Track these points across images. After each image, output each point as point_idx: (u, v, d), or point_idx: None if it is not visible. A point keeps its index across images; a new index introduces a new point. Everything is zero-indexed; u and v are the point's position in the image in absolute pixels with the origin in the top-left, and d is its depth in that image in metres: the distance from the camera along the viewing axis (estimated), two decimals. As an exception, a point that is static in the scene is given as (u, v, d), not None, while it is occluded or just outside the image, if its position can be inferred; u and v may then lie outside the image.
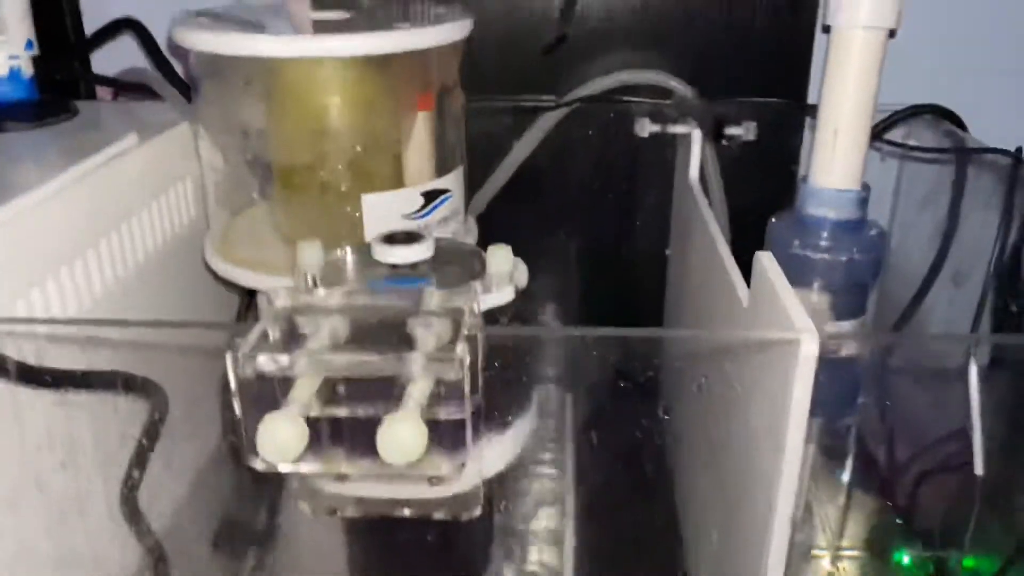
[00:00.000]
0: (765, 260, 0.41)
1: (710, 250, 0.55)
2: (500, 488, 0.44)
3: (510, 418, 0.43)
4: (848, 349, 0.52)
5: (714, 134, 0.66)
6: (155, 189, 0.59)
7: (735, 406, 0.40)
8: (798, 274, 0.61)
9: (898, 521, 0.65)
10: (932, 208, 0.66)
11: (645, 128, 0.68)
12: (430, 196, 0.51)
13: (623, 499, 0.53)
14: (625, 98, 0.68)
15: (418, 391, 0.32)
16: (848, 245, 0.60)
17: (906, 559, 0.64)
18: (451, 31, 0.49)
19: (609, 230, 0.75)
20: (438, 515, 0.41)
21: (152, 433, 0.53)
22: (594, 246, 0.75)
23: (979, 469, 0.53)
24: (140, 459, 0.54)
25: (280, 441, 0.29)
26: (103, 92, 0.74)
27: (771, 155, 0.69)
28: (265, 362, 0.30)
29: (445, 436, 0.33)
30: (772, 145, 0.68)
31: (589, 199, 0.74)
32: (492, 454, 0.42)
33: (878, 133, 0.66)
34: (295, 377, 0.32)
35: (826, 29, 0.57)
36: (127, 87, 0.68)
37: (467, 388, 0.32)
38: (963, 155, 0.61)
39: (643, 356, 0.38)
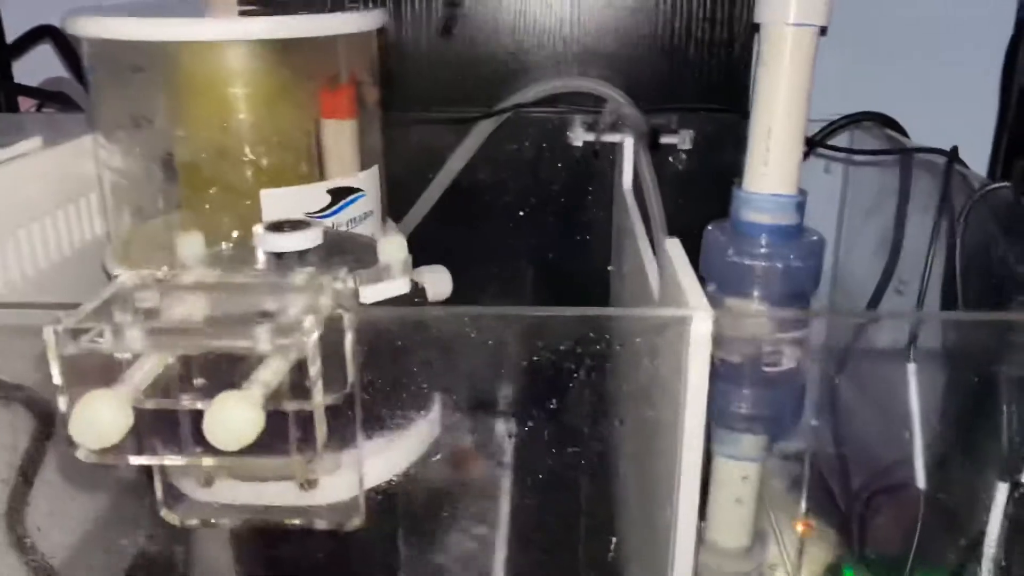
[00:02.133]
0: (669, 245, 0.39)
1: (637, 258, 0.53)
2: (398, 499, 0.40)
3: (401, 421, 0.40)
4: (747, 328, 0.49)
5: (649, 143, 0.64)
6: (59, 197, 0.57)
7: (641, 393, 0.37)
8: (735, 282, 0.58)
9: (850, 546, 0.61)
10: (879, 216, 0.64)
11: (579, 136, 0.66)
12: (338, 194, 0.49)
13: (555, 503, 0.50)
14: (559, 107, 0.66)
15: (267, 374, 0.29)
16: (785, 251, 0.57)
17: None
18: (356, 21, 0.47)
19: (550, 244, 0.72)
20: (319, 524, 0.37)
21: (37, 449, 0.50)
22: (535, 261, 0.73)
23: (921, 482, 0.50)
24: (26, 476, 0.50)
25: (97, 423, 0.26)
26: (27, 104, 0.71)
27: (710, 164, 0.67)
28: (89, 336, 0.27)
29: (298, 428, 0.29)
30: (711, 154, 0.66)
31: (528, 212, 0.71)
32: (379, 461, 0.39)
33: (819, 140, 0.64)
34: (132, 359, 0.29)
35: (756, 28, 0.55)
36: (47, 96, 0.66)
37: (315, 372, 0.29)
38: (906, 159, 0.59)
39: (553, 337, 0.35)
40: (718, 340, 0.30)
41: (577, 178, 0.68)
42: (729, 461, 0.62)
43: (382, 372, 0.38)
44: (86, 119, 0.57)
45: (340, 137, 0.50)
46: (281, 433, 0.29)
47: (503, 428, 0.45)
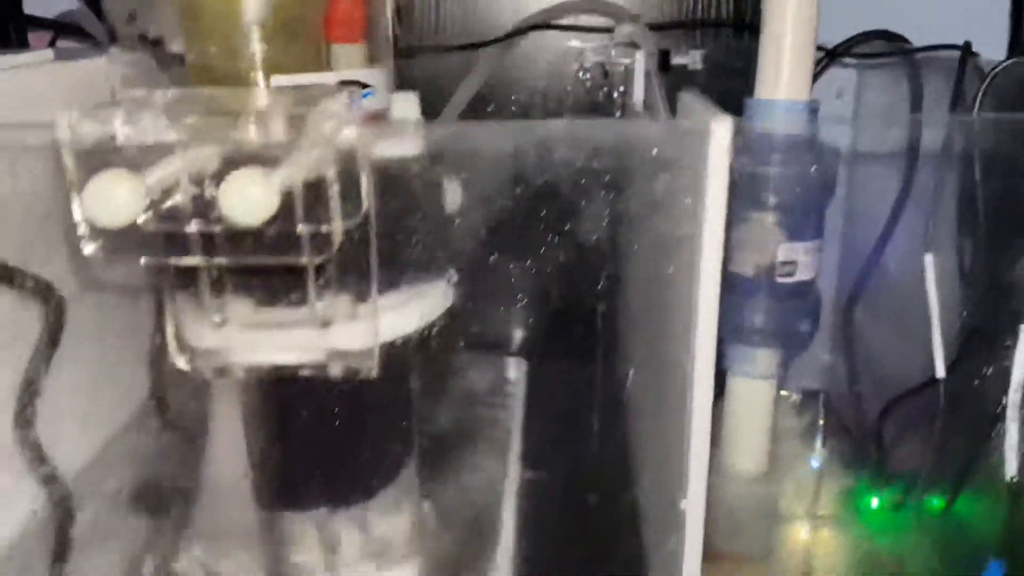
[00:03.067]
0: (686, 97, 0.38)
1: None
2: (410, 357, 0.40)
3: (416, 277, 0.40)
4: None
5: (660, 64, 0.64)
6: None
7: (660, 210, 0.37)
8: (748, 193, 0.58)
9: (869, 469, 0.60)
10: (894, 132, 0.64)
11: (589, 59, 0.66)
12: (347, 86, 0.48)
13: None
14: (569, 29, 0.66)
15: (284, 169, 0.28)
16: (798, 160, 0.57)
17: (875, 502, 0.60)
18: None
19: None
20: (333, 371, 0.37)
21: (48, 346, 0.49)
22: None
23: (940, 372, 0.49)
24: (34, 379, 0.50)
25: (112, 198, 0.25)
26: (39, 42, 0.72)
27: (721, 85, 0.66)
28: (103, 120, 0.27)
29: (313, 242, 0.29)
30: (721, 75, 0.66)
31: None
32: (394, 315, 0.38)
33: (835, 54, 0.64)
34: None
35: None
36: (61, 28, 0.66)
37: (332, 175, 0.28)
38: (915, 63, 0.59)
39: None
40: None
41: (587, 101, 0.68)
42: (744, 379, 0.62)
43: (396, 223, 0.37)
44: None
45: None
46: (293, 240, 0.28)
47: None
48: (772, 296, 0.58)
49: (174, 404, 0.62)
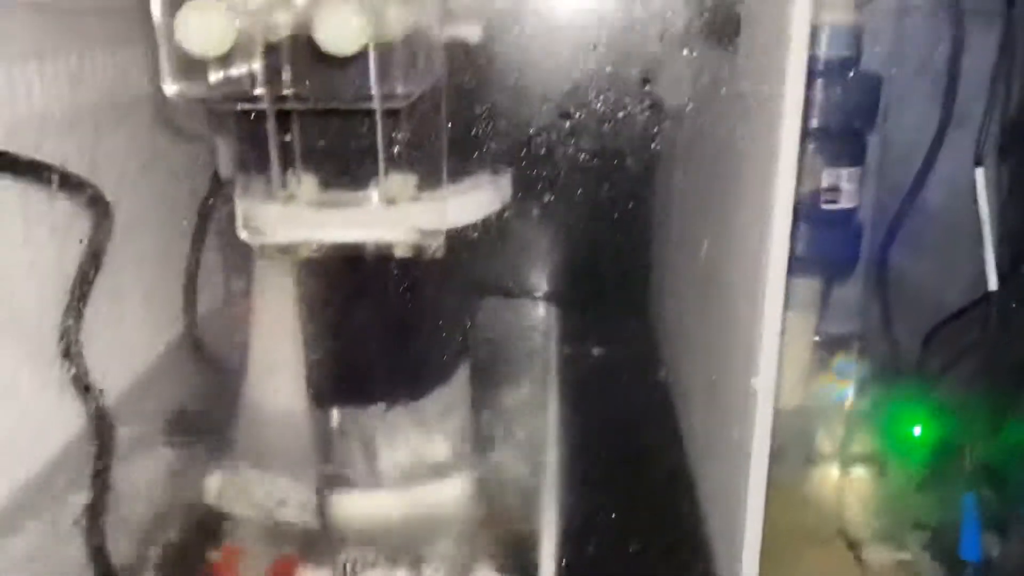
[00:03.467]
0: None
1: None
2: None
3: (483, 171, 0.40)
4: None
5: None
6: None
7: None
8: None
9: (910, 397, 0.60)
10: (931, 68, 0.63)
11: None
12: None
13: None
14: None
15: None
16: (839, 85, 0.57)
17: (917, 430, 0.59)
18: None
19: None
20: (399, 251, 0.36)
21: (94, 253, 0.49)
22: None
23: (992, 284, 0.49)
24: (82, 286, 0.49)
25: (205, 24, 0.25)
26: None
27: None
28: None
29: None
30: None
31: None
32: (460, 202, 0.38)
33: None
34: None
35: None
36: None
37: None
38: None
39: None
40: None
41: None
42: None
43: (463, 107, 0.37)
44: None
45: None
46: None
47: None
48: (815, 223, 0.58)
49: (216, 326, 0.62)
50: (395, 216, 0.36)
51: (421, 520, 0.45)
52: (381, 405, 0.42)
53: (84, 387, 0.51)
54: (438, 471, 0.46)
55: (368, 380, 0.41)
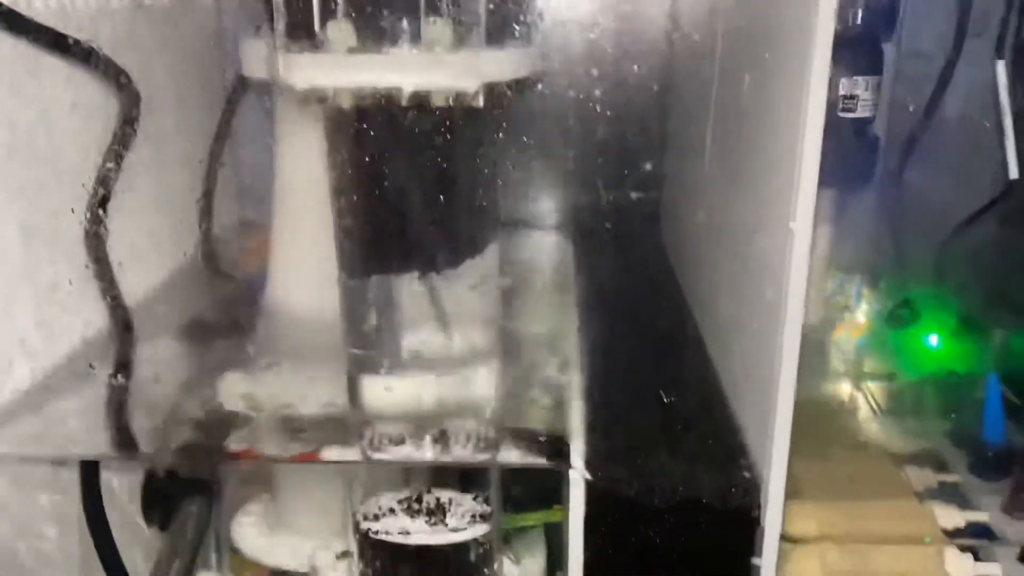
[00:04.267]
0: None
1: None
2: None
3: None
4: None
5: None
6: None
7: None
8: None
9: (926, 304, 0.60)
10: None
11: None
12: None
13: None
14: None
15: None
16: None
17: (934, 339, 0.60)
18: None
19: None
20: (437, 101, 0.37)
21: (122, 138, 0.49)
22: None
23: (1013, 172, 0.50)
24: (107, 173, 0.49)
25: None
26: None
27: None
28: None
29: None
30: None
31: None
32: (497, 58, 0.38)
33: None
34: None
35: None
36: None
37: None
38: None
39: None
40: None
41: None
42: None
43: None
44: None
45: None
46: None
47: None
48: (831, 131, 0.58)
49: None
50: (433, 62, 0.36)
51: (450, 404, 0.45)
52: (414, 274, 0.42)
53: (108, 281, 0.51)
54: (469, 354, 0.46)
55: (401, 245, 0.41)
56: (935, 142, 0.62)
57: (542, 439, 0.42)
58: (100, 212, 0.49)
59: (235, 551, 0.53)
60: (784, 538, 0.40)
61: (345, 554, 0.46)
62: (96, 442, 0.43)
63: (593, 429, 0.43)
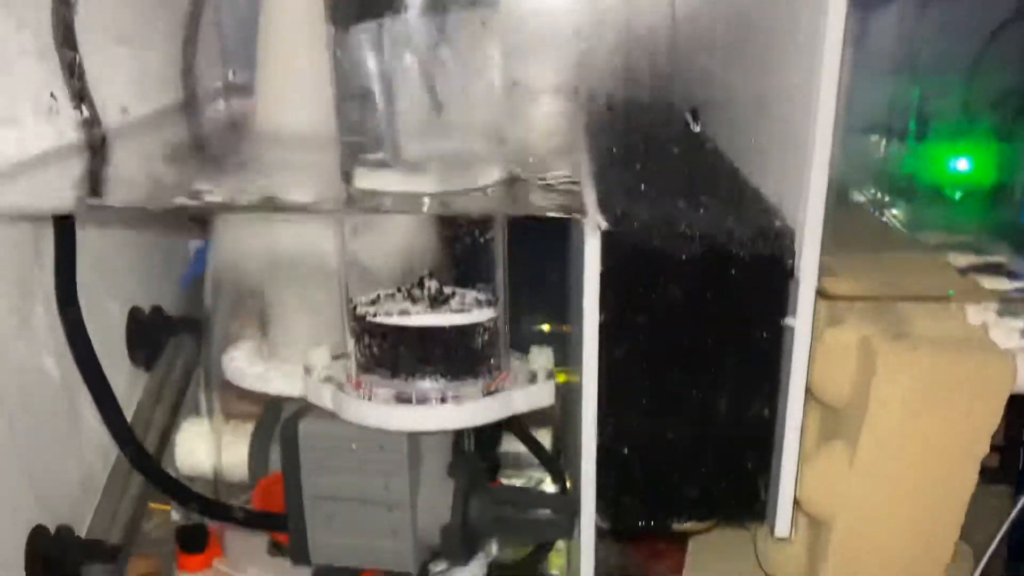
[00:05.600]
0: None
1: None
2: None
3: None
4: None
5: None
6: None
7: None
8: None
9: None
10: None
11: None
12: None
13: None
14: None
15: None
16: None
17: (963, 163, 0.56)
18: None
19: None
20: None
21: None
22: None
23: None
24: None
25: None
26: None
27: None
28: None
29: None
30: None
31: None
32: None
33: None
34: None
35: None
36: None
37: None
38: None
39: None
40: None
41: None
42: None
43: None
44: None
45: None
46: None
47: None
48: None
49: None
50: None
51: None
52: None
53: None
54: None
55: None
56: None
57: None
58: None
59: (226, 387, 0.50)
60: (820, 294, 0.36)
61: (342, 356, 0.43)
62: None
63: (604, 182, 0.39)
